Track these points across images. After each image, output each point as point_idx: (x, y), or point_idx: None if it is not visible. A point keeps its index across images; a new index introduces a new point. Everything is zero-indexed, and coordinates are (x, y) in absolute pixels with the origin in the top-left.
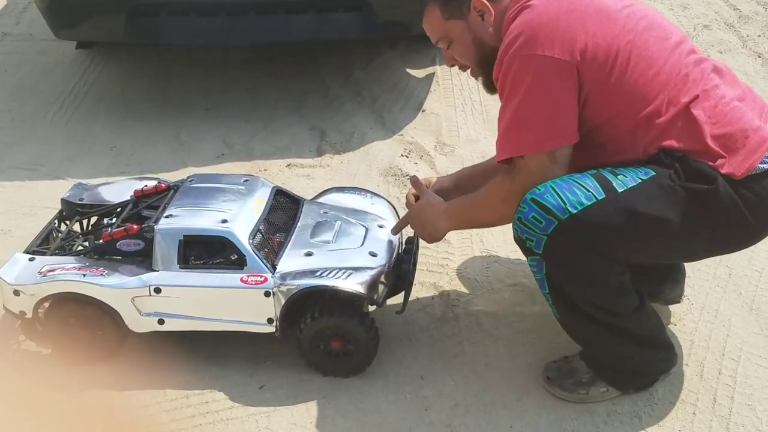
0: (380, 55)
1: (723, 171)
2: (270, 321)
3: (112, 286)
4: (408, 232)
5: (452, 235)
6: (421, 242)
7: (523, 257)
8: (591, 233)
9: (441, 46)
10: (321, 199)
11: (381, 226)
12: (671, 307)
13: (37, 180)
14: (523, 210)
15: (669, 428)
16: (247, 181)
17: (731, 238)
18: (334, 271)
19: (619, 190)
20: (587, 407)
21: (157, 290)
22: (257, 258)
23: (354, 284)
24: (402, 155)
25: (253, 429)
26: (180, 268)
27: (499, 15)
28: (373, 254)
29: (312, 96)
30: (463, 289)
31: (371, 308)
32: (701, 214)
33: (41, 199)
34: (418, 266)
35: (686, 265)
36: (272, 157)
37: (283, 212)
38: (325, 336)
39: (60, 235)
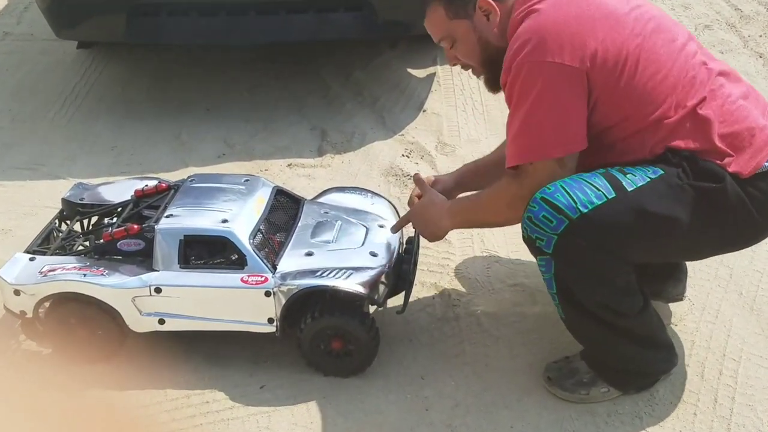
0: (381, 54)
1: (730, 169)
2: (270, 321)
3: (112, 286)
4: (409, 231)
5: (453, 235)
6: (422, 242)
7: (524, 257)
8: (602, 232)
9: (443, 46)
10: (321, 199)
11: (381, 226)
12: (672, 307)
13: (38, 180)
14: (534, 209)
15: (670, 429)
16: (247, 181)
17: (738, 236)
18: (335, 271)
19: (629, 189)
20: (588, 407)
21: (158, 290)
22: (258, 258)
23: (354, 284)
24: (403, 155)
25: (254, 429)
26: (180, 268)
27: (504, 15)
28: (373, 254)
29: (312, 96)
30: (464, 289)
31: (372, 308)
32: (710, 212)
33: (42, 199)
34: (418, 266)
35: (687, 264)
36: (273, 157)
37: (284, 212)
38: (325, 336)
39: (60, 234)
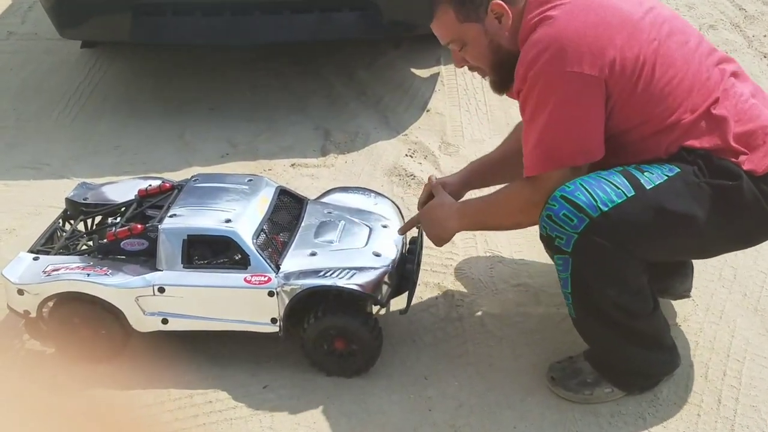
0: (384, 54)
1: (745, 167)
2: (273, 321)
3: (116, 286)
4: (412, 231)
5: (456, 236)
6: (425, 242)
7: (527, 257)
8: (621, 231)
9: (452, 48)
10: (325, 199)
11: (385, 226)
12: (676, 308)
13: (42, 179)
14: (553, 207)
15: (673, 429)
16: (251, 180)
17: (750, 234)
18: (338, 271)
19: (648, 188)
20: (591, 408)
21: (161, 290)
22: (261, 258)
23: (358, 284)
24: (406, 155)
25: (257, 429)
26: (184, 267)
27: (515, 18)
28: (377, 254)
29: (316, 96)
30: (467, 290)
31: (375, 308)
32: (726, 210)
33: (46, 199)
34: (421, 266)
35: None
36: (276, 156)
37: (287, 212)
38: (328, 336)
39: (64, 234)
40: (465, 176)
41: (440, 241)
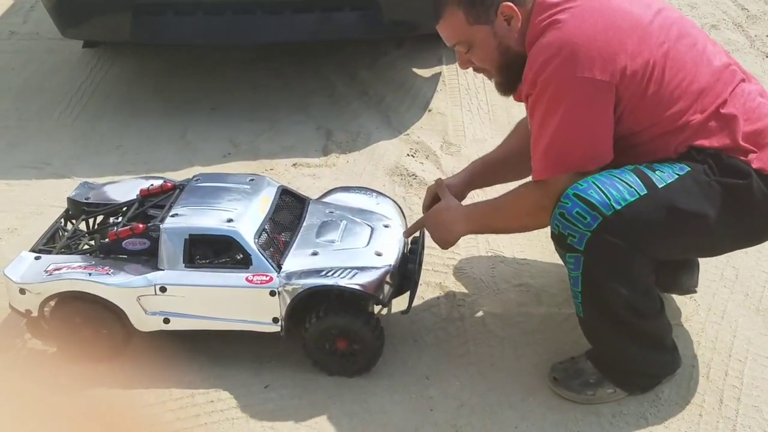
0: (386, 54)
1: (754, 166)
2: (275, 320)
3: (117, 285)
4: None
5: None
6: (427, 242)
7: (529, 257)
8: (634, 230)
9: (458, 50)
10: (327, 199)
11: (387, 226)
12: (678, 308)
13: (44, 179)
14: (566, 205)
15: (675, 429)
16: (252, 180)
17: (759, 232)
18: (340, 271)
19: (659, 186)
20: (593, 408)
21: (163, 289)
22: (263, 257)
23: (359, 284)
24: (408, 155)
25: (258, 428)
26: (185, 267)
27: (524, 20)
28: (378, 254)
29: (317, 95)
30: (469, 290)
31: (377, 308)
32: (736, 208)
33: (47, 198)
34: (423, 266)
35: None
36: (278, 156)
37: (289, 212)
38: (330, 335)
39: (66, 233)
40: (467, 176)
41: (446, 244)
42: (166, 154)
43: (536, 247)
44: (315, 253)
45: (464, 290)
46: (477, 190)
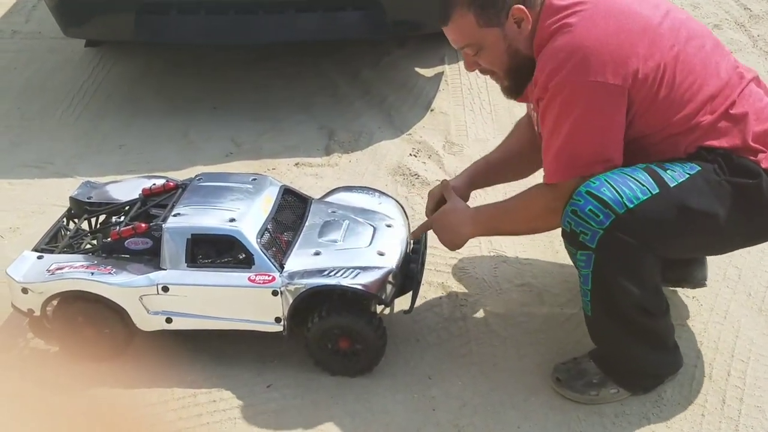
0: (389, 54)
1: (763, 166)
2: (277, 320)
3: (120, 285)
4: None
5: None
6: (429, 242)
7: (531, 257)
8: (646, 228)
9: (466, 52)
10: (329, 199)
11: (389, 226)
12: (680, 308)
13: (46, 178)
14: (579, 203)
15: (677, 429)
16: (255, 180)
17: (765, 231)
18: (342, 271)
19: (671, 185)
20: (595, 408)
21: (165, 289)
22: (265, 257)
23: (362, 284)
24: (410, 155)
25: (261, 428)
26: (188, 266)
27: (533, 22)
28: (381, 254)
29: (320, 95)
30: (471, 290)
31: (379, 308)
32: (746, 208)
33: (49, 197)
34: (426, 266)
35: None
36: (280, 156)
37: (291, 211)
38: (332, 335)
39: (68, 233)
40: (469, 177)
41: (453, 246)
42: (169, 153)
43: (539, 247)
44: (317, 253)
45: (466, 290)
46: (477, 191)
